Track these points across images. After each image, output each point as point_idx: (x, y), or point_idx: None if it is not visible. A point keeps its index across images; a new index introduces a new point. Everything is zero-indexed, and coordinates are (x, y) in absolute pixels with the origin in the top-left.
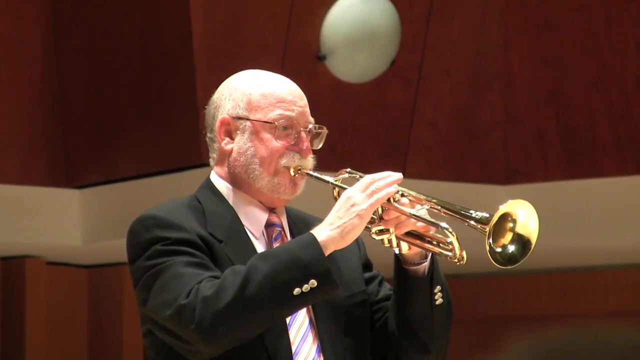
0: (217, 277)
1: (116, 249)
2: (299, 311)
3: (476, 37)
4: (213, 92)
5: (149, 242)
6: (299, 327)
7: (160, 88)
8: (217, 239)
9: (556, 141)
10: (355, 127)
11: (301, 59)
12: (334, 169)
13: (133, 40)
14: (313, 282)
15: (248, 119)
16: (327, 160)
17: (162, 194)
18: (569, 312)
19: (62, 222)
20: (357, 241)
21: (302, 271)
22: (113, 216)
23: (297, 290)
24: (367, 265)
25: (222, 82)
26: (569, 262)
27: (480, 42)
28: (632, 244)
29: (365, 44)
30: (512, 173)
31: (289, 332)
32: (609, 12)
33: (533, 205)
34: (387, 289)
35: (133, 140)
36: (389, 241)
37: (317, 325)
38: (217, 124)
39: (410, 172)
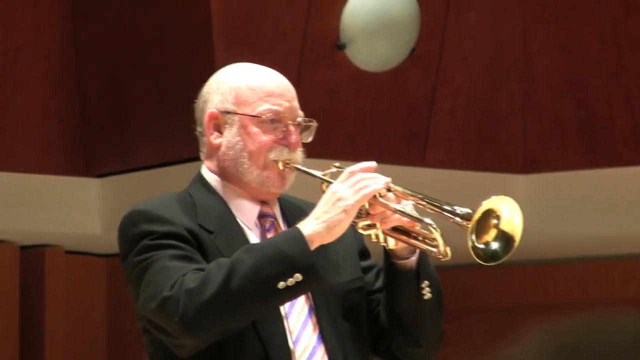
0: (202, 270)
1: None
2: (298, 299)
3: (495, 26)
4: None
5: (137, 237)
6: (299, 314)
7: (180, 76)
8: (208, 230)
9: (575, 130)
10: (374, 116)
11: (320, 48)
12: (353, 158)
13: (152, 29)
14: (298, 276)
15: (236, 113)
16: (346, 149)
17: (181, 183)
18: (584, 301)
19: (81, 211)
20: (354, 227)
21: (287, 265)
22: (132, 205)
23: (282, 284)
24: (363, 253)
25: None
26: (586, 251)
27: (499, 31)
28: None
29: (384, 33)
30: (530, 162)
31: (289, 320)
32: (628, 1)
33: (550, 195)
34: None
35: (152, 129)
36: (376, 236)
37: (318, 312)
38: (206, 118)
39: (430, 161)
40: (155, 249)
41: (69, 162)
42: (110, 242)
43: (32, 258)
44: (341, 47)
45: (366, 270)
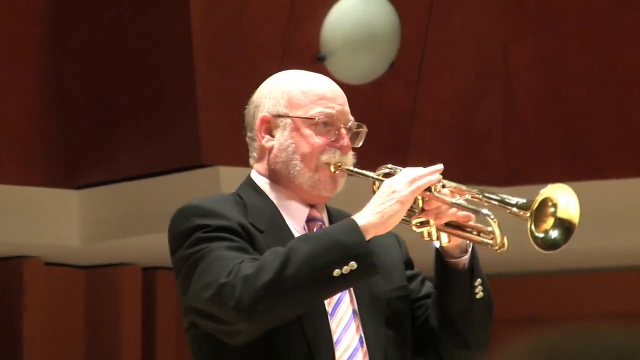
0: (257, 260)
1: (114, 249)
2: (342, 301)
3: (476, 38)
4: (213, 92)
5: (190, 230)
6: (342, 316)
7: (160, 88)
8: (259, 229)
9: (556, 143)
10: None
11: (301, 60)
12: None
13: (133, 40)
14: (353, 264)
15: (288, 116)
16: None
17: (161, 195)
18: (567, 314)
19: (60, 223)
20: (398, 240)
21: (342, 253)
22: (111, 217)
23: (337, 272)
24: (408, 264)
25: (221, 81)
26: (568, 264)
27: (480, 43)
28: (632, 245)
29: (365, 45)
30: (511, 174)
31: (331, 321)
32: (610, 13)
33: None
34: (428, 287)
35: (132, 141)
36: (429, 234)
37: (361, 316)
38: (258, 122)
39: None
40: (209, 241)
41: (48, 173)
42: (89, 254)
43: (11, 269)
44: (321, 59)
45: (411, 278)
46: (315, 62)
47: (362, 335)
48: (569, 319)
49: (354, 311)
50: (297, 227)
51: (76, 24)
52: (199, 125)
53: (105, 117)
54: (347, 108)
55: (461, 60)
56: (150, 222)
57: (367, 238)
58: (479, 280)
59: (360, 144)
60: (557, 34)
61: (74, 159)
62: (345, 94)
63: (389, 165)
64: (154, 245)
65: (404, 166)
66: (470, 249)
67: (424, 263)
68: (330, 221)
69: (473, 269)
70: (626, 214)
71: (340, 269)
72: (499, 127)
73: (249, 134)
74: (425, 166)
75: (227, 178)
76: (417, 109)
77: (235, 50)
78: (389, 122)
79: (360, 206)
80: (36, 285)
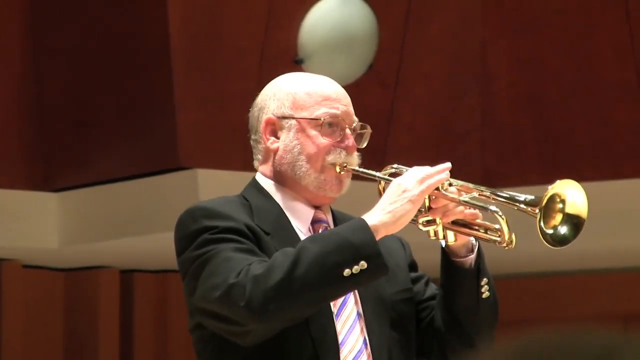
0: (265, 261)
1: (93, 252)
2: (347, 303)
3: (454, 41)
4: (190, 95)
5: (197, 232)
6: (347, 318)
7: (138, 91)
8: (265, 231)
9: (533, 145)
10: None
11: (279, 63)
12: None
13: (111, 43)
14: (363, 264)
15: (294, 118)
16: None
17: (140, 197)
18: (546, 316)
19: (39, 225)
20: (402, 242)
21: (353, 253)
22: (90, 219)
23: (347, 271)
24: (412, 266)
25: (199, 84)
26: (546, 266)
27: (458, 46)
28: (609, 248)
29: (342, 48)
30: (488, 176)
31: (336, 323)
32: (587, 16)
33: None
34: (433, 288)
35: (110, 143)
36: (435, 233)
37: (365, 317)
38: (262, 124)
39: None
40: (217, 243)
41: (27, 176)
42: (68, 257)
43: None
44: (299, 62)
45: (415, 280)
46: (293, 64)
47: (366, 337)
48: (549, 321)
49: (358, 313)
50: (302, 229)
51: (55, 27)
52: (177, 128)
53: (83, 120)
54: (351, 109)
55: (439, 62)
56: (128, 225)
57: (378, 238)
58: (485, 280)
59: (365, 144)
60: (535, 36)
61: (52, 162)
62: None
63: (395, 165)
64: (132, 248)
65: (381, 170)
66: (476, 249)
67: (429, 265)
68: (335, 223)
69: (479, 268)
70: (604, 217)
71: (351, 268)
72: (476, 129)
73: (253, 137)
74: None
75: (205, 180)
76: (394, 111)
77: (213, 52)
78: (366, 124)
79: (363, 209)
80: (14, 288)
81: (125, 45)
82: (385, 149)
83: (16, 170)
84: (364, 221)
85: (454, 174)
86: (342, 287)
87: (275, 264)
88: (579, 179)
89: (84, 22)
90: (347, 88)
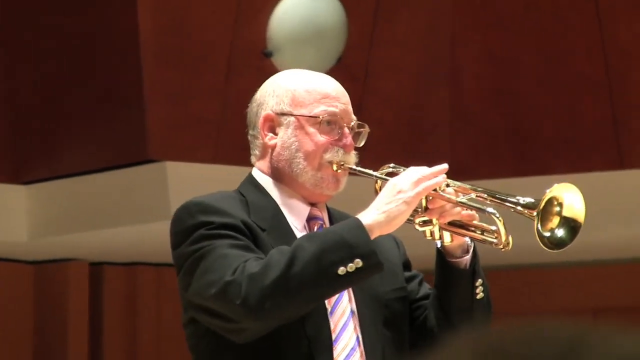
0: (261, 258)
1: (62, 244)
2: (341, 301)
3: (424, 34)
4: (160, 89)
5: (193, 227)
6: (340, 316)
7: (108, 84)
8: (260, 228)
9: (503, 139)
10: None
11: (248, 56)
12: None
13: (80, 37)
14: (358, 262)
15: (292, 115)
16: None
17: (108, 190)
18: (513, 310)
19: (7, 218)
20: (396, 241)
21: (348, 251)
22: (59, 212)
23: (342, 270)
24: (406, 265)
25: (169, 77)
26: (514, 259)
27: (427, 39)
28: (578, 241)
29: (311, 41)
30: (459, 170)
31: (330, 320)
32: (557, 11)
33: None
34: (426, 288)
35: (80, 137)
36: (432, 233)
37: (359, 316)
38: (261, 120)
39: None
40: (213, 239)
41: None
42: (36, 250)
43: None
44: (268, 55)
45: (409, 279)
46: (262, 57)
47: (360, 335)
48: (515, 315)
49: (352, 311)
50: (298, 226)
51: (24, 22)
52: (146, 121)
53: (52, 113)
54: (350, 107)
55: (409, 56)
56: (98, 218)
57: (372, 237)
58: (479, 281)
59: (363, 143)
60: (505, 30)
61: (21, 155)
62: None
63: (392, 165)
64: (101, 241)
65: None
66: (471, 250)
67: (424, 260)
68: (331, 221)
69: (475, 269)
70: None
71: (346, 267)
72: (446, 123)
73: (251, 132)
74: (370, 164)
75: (174, 173)
76: (364, 105)
77: (183, 46)
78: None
79: (360, 206)
80: None
81: (95, 39)
82: None
83: None
84: (359, 220)
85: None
86: (337, 285)
87: (271, 262)
88: (547, 172)
89: (53, 16)
90: None
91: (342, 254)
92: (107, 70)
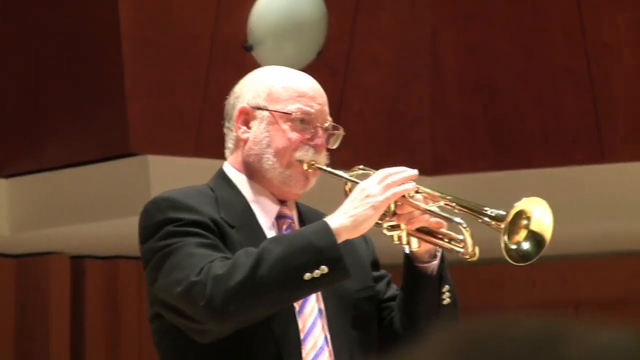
0: (228, 258)
1: (44, 238)
2: (309, 300)
3: (404, 27)
4: (141, 82)
5: (162, 223)
6: (309, 315)
7: (88, 78)
8: (230, 225)
9: (484, 132)
10: None
11: (228, 50)
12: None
13: (61, 29)
14: (324, 268)
15: (267, 109)
16: None
17: (90, 183)
18: (494, 303)
19: None
20: (365, 238)
21: (314, 256)
22: (41, 205)
23: (307, 275)
24: (375, 264)
25: (150, 70)
26: (494, 253)
27: (408, 32)
28: (559, 235)
29: (292, 34)
30: (439, 164)
31: (298, 320)
32: (538, 3)
33: (459, 196)
34: (394, 289)
35: (61, 130)
36: (399, 238)
37: (326, 315)
38: (236, 112)
39: (336, 163)
40: (181, 236)
41: None
42: (18, 243)
43: None
44: (248, 48)
45: (377, 279)
46: (242, 51)
47: (328, 334)
48: (494, 308)
49: (320, 310)
50: (267, 224)
51: (3, 15)
52: (128, 114)
53: (33, 106)
54: (326, 108)
55: (389, 49)
56: (79, 211)
57: (339, 241)
58: (446, 287)
59: (336, 145)
60: (486, 23)
61: (2, 148)
62: None
63: (361, 166)
64: (82, 234)
65: (331, 157)
66: (439, 255)
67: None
68: (300, 219)
69: (442, 275)
70: (554, 203)
71: (312, 272)
72: (426, 117)
73: (226, 124)
74: (351, 158)
75: (156, 166)
76: (344, 99)
77: (164, 40)
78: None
79: (332, 203)
80: None
81: (76, 32)
82: None
83: None
84: (326, 224)
85: (405, 162)
86: (303, 290)
87: (237, 263)
88: (528, 165)
89: (34, 9)
90: None
91: (309, 258)
92: (89, 63)
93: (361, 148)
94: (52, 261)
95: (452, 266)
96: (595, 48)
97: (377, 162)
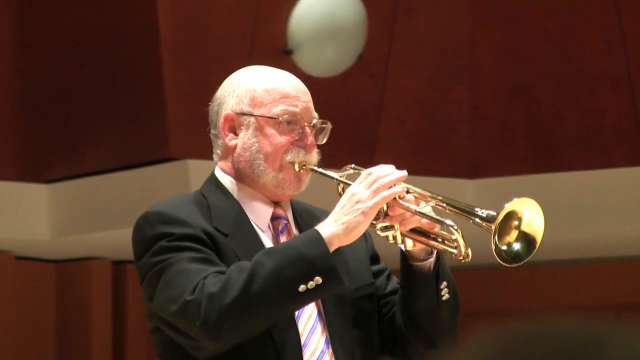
0: (222, 273)
1: (84, 243)
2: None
3: (443, 31)
4: (180, 86)
5: (154, 238)
6: (308, 319)
7: (127, 82)
8: (223, 233)
9: (522, 135)
10: None
11: (268, 53)
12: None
13: (100, 34)
14: (318, 279)
15: (252, 115)
16: None
17: (129, 189)
18: (531, 306)
19: (29, 217)
20: (364, 234)
21: (307, 267)
22: (80, 211)
23: (302, 287)
24: (374, 258)
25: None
26: (535, 256)
27: (446, 36)
28: (596, 238)
29: (332, 38)
30: (478, 167)
31: (298, 324)
32: (575, 5)
33: (498, 199)
34: (394, 282)
35: (100, 135)
36: (394, 237)
37: (326, 317)
38: (221, 120)
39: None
40: (174, 251)
41: (17, 168)
42: (59, 248)
43: None
44: (288, 52)
45: (377, 274)
46: (282, 55)
47: (328, 337)
48: (534, 311)
49: (319, 313)
50: (261, 227)
51: (43, 20)
52: (167, 119)
53: (73, 112)
54: (311, 105)
55: (428, 52)
56: (119, 216)
57: (332, 250)
58: (444, 283)
59: (325, 140)
60: (523, 27)
61: (43, 154)
62: (312, 87)
63: (353, 166)
64: (123, 239)
65: (371, 161)
66: (435, 252)
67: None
68: (295, 218)
69: (439, 272)
70: (591, 206)
71: (306, 284)
72: (465, 120)
73: (212, 131)
74: (392, 162)
75: (196, 171)
76: (384, 102)
77: (203, 44)
78: (355, 115)
79: (325, 202)
80: (6, 280)
81: (115, 38)
82: (374, 140)
83: (7, 163)
84: (318, 233)
85: (444, 166)
86: (297, 302)
87: (230, 280)
88: (567, 168)
89: (72, 14)
90: (336, 79)
91: (302, 270)
92: (128, 68)
93: (400, 152)
94: (93, 266)
95: (489, 270)
96: (634, 50)
97: (417, 166)
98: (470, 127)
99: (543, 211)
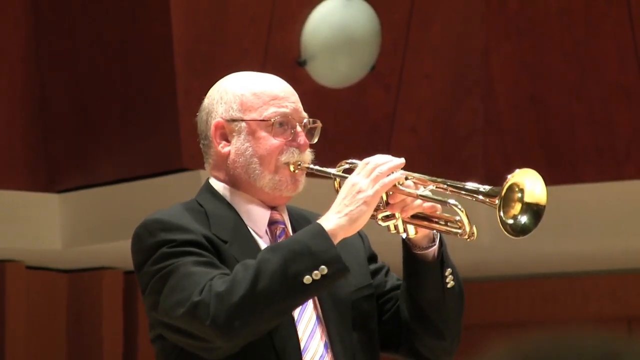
0: (227, 274)
1: (96, 253)
2: (306, 308)
3: (456, 42)
4: (194, 97)
5: (155, 245)
6: (307, 323)
7: (141, 93)
8: (222, 240)
9: (536, 146)
10: (335, 133)
11: (281, 64)
12: (314, 174)
13: (114, 45)
14: (323, 269)
15: (243, 120)
16: None
17: (142, 199)
18: (548, 319)
19: (42, 227)
20: (361, 234)
21: (312, 259)
22: (93, 221)
23: (307, 278)
24: (372, 258)
25: (202, 86)
26: (549, 268)
27: (460, 47)
28: (611, 250)
29: (345, 49)
30: (492, 178)
31: (298, 329)
32: (590, 17)
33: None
34: (394, 279)
35: (113, 145)
36: (395, 227)
37: (325, 321)
38: (212, 128)
39: None
40: (176, 257)
41: (30, 178)
42: (71, 258)
43: None
44: (302, 63)
45: (375, 272)
46: (295, 66)
47: (327, 340)
48: (551, 324)
49: (317, 317)
50: (259, 232)
51: (57, 31)
52: (181, 129)
53: (86, 122)
54: (300, 105)
55: (441, 64)
56: (132, 226)
57: (336, 241)
58: (449, 270)
59: (316, 139)
60: (537, 39)
61: (55, 164)
62: (326, 98)
63: (349, 160)
64: None
65: None
66: (438, 239)
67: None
68: (292, 223)
69: (443, 259)
70: (607, 218)
71: (311, 275)
72: (479, 132)
73: (203, 142)
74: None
75: None
76: (397, 113)
77: (216, 55)
78: (369, 126)
79: (320, 204)
80: (18, 289)
81: (128, 49)
82: (387, 151)
83: (20, 172)
84: (321, 226)
85: (458, 176)
86: (305, 294)
87: (237, 279)
88: (581, 180)
89: (87, 25)
90: (349, 90)
91: (307, 263)
92: (141, 78)
93: (414, 162)
94: (105, 276)
95: (507, 282)
96: None
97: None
98: (484, 138)
99: (549, 212)
